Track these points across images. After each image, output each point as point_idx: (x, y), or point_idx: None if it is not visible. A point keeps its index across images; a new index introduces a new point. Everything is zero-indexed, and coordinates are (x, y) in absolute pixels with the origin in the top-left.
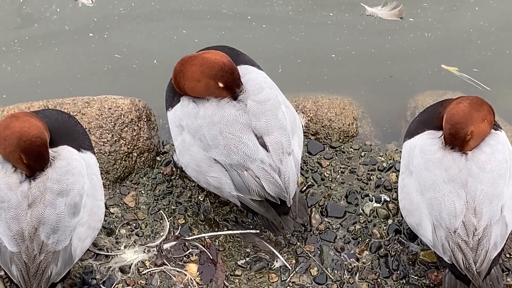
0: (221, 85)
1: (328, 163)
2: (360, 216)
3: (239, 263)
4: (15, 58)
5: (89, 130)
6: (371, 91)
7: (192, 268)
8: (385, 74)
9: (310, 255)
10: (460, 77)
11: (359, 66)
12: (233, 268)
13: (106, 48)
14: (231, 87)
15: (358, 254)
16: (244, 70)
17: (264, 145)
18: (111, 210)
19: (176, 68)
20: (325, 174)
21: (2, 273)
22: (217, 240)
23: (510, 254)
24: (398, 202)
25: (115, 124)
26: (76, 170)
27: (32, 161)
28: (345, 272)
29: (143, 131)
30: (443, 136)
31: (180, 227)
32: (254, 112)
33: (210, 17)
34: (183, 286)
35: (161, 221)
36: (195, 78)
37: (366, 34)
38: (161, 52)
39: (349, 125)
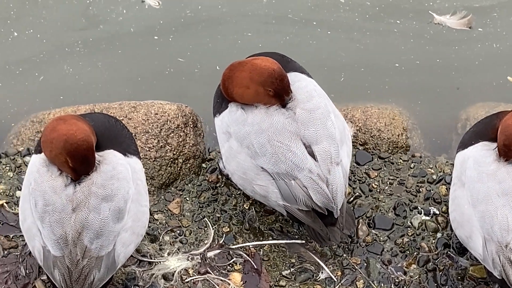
0: (270, 92)
1: (376, 174)
2: (408, 228)
3: (284, 273)
4: (77, 60)
5: (135, 135)
6: (423, 101)
7: (236, 277)
8: (447, 85)
9: (356, 267)
10: None
11: (422, 76)
12: (277, 278)
13: (170, 51)
14: (281, 95)
15: (405, 267)
16: (294, 78)
17: (312, 155)
18: (156, 216)
19: (225, 73)
20: (373, 185)
21: (45, 277)
22: (261, 250)
23: None
24: (447, 215)
25: (161, 129)
26: (121, 175)
27: (78, 164)
28: (392, 286)
29: (189, 137)
30: (497, 147)
31: (224, 235)
32: (303, 120)
33: (276, 22)
34: None
35: (206, 228)
36: (244, 85)
37: (433, 44)
38: (224, 57)
39: (398, 135)
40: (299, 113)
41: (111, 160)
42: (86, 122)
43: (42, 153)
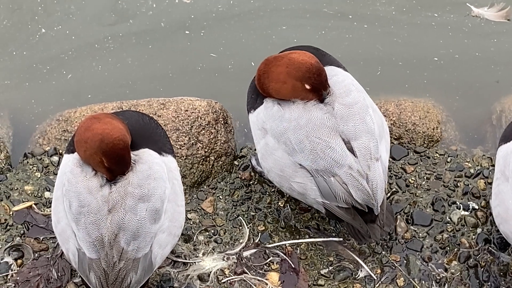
0: (308, 87)
1: (412, 169)
2: (448, 224)
3: (322, 272)
4: (106, 56)
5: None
6: (461, 95)
7: (273, 277)
8: (485, 79)
9: (396, 265)
10: None
11: (460, 70)
12: (315, 277)
13: (202, 46)
14: (318, 89)
15: (446, 264)
16: (331, 72)
17: (351, 150)
18: (189, 215)
19: (260, 68)
20: (410, 180)
21: (78, 279)
22: (298, 248)
23: None
24: (487, 210)
25: (192, 126)
26: (157, 175)
27: (114, 164)
28: (433, 283)
29: (220, 134)
30: None
31: (260, 234)
32: (342, 115)
33: (310, 16)
34: None
35: (240, 227)
36: (281, 80)
37: (471, 37)
38: (258, 52)
39: (433, 129)
40: (338, 108)
41: (146, 160)
42: (120, 121)
43: (75, 153)
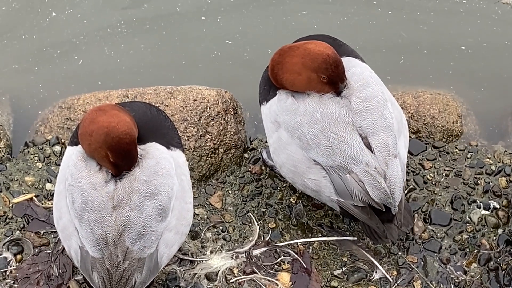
0: (324, 79)
1: (431, 165)
2: (467, 224)
3: (335, 273)
4: (119, 41)
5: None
6: (486, 86)
7: (284, 277)
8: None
9: (413, 267)
10: None
11: (489, 59)
12: (328, 278)
13: (218, 33)
14: (335, 82)
15: (465, 266)
16: (348, 63)
17: (369, 147)
18: (196, 211)
19: (274, 58)
20: (428, 177)
21: (79, 277)
22: (310, 247)
23: None
24: (509, 210)
25: (200, 117)
26: (165, 171)
27: (120, 159)
28: (452, 286)
29: (230, 125)
30: None
31: (270, 231)
32: (359, 110)
33: (332, 1)
34: None
35: (250, 224)
36: (296, 71)
37: (501, 24)
38: (277, 39)
39: (453, 123)
40: (355, 102)
41: (154, 154)
42: (127, 113)
43: (79, 146)
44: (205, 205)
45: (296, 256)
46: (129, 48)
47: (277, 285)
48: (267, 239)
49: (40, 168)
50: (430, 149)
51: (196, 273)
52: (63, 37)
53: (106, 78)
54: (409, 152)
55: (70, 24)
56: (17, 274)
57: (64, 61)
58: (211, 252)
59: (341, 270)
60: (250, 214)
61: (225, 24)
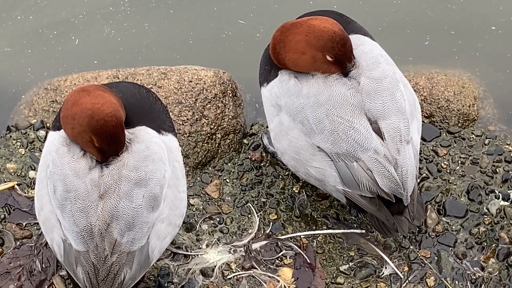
0: (330, 58)
1: (445, 152)
2: (485, 216)
3: (342, 268)
4: (121, 20)
5: (166, 106)
6: (509, 67)
7: (286, 273)
8: None
9: (426, 262)
10: None
11: None
12: (334, 274)
13: (229, 12)
14: (342, 61)
15: (483, 262)
16: (357, 41)
17: (378, 132)
18: (191, 201)
19: (276, 36)
20: (442, 164)
21: (64, 272)
22: (315, 241)
23: None
24: None
25: (196, 99)
26: (156, 156)
27: (105, 144)
28: (468, 284)
29: (228, 108)
30: None
31: (271, 223)
32: (368, 91)
33: None
34: None
35: (249, 216)
36: (299, 50)
37: None
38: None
39: (469, 106)
40: (364, 83)
41: (144, 138)
42: (113, 94)
43: (62, 130)
44: (201, 195)
45: (299, 250)
46: (132, 27)
47: (278, 281)
48: (267, 231)
49: (23, 155)
50: (444, 134)
51: (190, 268)
52: (61, 16)
53: (104, 58)
54: (422, 138)
55: (69, 2)
56: None
57: (60, 42)
58: (207, 245)
59: (347, 265)
60: (250, 204)
61: (238, 2)
